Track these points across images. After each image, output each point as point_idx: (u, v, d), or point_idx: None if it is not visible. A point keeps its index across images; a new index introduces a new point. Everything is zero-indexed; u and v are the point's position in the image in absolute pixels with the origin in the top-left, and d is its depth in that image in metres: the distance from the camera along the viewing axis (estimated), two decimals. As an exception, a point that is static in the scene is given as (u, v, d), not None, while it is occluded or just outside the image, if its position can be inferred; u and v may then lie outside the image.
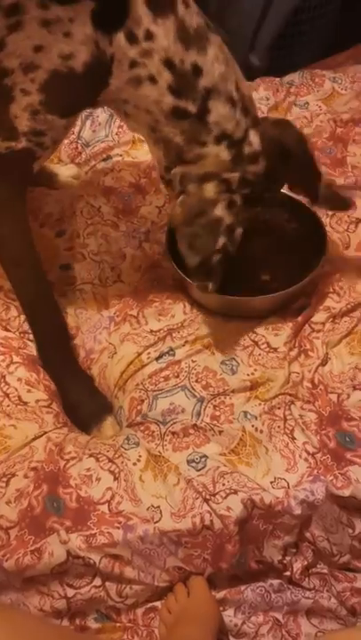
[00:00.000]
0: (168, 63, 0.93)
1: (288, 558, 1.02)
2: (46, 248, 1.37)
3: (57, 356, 1.22)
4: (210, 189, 1.03)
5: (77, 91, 0.96)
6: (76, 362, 1.23)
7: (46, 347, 1.21)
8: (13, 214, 1.10)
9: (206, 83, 0.96)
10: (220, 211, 1.04)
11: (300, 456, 1.05)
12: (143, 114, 1.01)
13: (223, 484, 1.00)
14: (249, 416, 1.11)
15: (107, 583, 0.97)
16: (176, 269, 1.23)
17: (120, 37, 0.90)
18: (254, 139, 1.04)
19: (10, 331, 1.24)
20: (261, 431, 1.08)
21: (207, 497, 0.98)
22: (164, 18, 0.90)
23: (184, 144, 1.02)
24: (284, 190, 1.32)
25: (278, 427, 1.09)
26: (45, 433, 1.09)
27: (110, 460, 1.03)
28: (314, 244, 1.28)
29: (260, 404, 1.12)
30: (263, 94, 1.69)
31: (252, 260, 1.28)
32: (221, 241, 1.05)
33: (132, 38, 0.90)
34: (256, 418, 1.10)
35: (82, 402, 1.17)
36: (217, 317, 1.25)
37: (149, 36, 0.90)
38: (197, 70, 0.95)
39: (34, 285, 1.18)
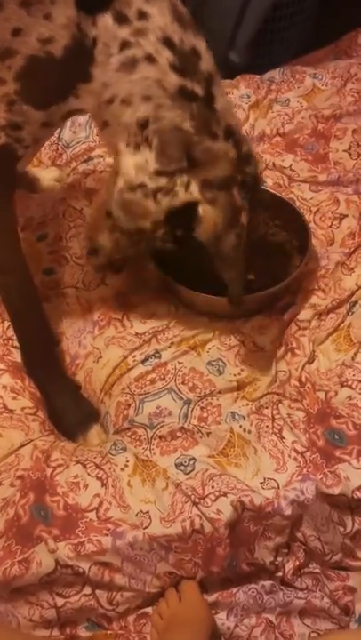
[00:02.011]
0: (167, 41, 0.86)
1: (280, 559, 1.01)
2: (28, 252, 1.34)
3: (42, 363, 1.20)
4: (238, 195, 0.95)
5: (55, 79, 0.90)
6: (62, 369, 1.21)
7: (32, 354, 1.19)
8: (3, 223, 1.08)
9: (206, 67, 0.90)
10: (244, 218, 0.97)
11: (289, 455, 1.04)
12: (136, 106, 0.89)
13: (212, 487, 0.99)
14: (237, 416, 1.10)
15: (97, 591, 0.96)
16: (171, 275, 1.23)
17: (106, 19, 0.84)
18: (245, 138, 1.00)
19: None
20: (250, 431, 1.08)
21: (196, 500, 0.97)
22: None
23: (195, 132, 0.91)
24: (267, 188, 1.33)
25: (267, 426, 1.08)
26: (32, 441, 1.08)
27: (98, 467, 1.02)
28: (298, 242, 1.28)
29: (247, 404, 1.12)
30: (244, 92, 1.68)
31: None
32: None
33: (121, 19, 0.84)
34: (244, 418, 1.10)
35: (67, 410, 1.16)
36: (202, 318, 1.24)
37: (143, 15, 0.85)
38: (197, 53, 0.89)
39: (21, 293, 1.16)
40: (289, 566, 1.02)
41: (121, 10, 0.84)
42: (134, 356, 1.20)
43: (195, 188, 0.94)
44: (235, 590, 1.01)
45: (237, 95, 1.68)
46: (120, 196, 0.96)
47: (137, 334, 1.23)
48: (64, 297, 1.31)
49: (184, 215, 0.96)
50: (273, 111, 1.64)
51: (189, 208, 0.96)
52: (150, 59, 0.86)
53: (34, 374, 1.19)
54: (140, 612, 0.99)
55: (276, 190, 1.41)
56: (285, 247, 1.30)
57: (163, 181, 0.93)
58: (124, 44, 0.86)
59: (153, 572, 0.97)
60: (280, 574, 1.02)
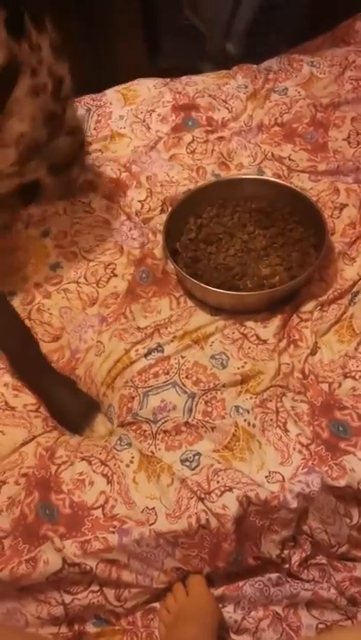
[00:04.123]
0: (51, 73, 1.09)
1: (286, 552, 1.01)
2: (34, 248, 1.37)
3: (31, 366, 1.19)
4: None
5: None
6: (51, 367, 1.19)
7: (17, 357, 1.19)
8: None
9: (65, 91, 1.14)
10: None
11: (293, 448, 1.04)
12: (22, 122, 1.10)
13: (218, 482, 0.99)
14: (241, 410, 1.09)
15: (104, 588, 0.96)
16: (177, 266, 1.24)
17: (25, 45, 1.04)
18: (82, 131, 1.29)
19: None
20: (254, 425, 1.07)
21: (202, 496, 0.97)
22: (43, 32, 1.06)
23: (48, 139, 1.16)
24: (287, 183, 1.32)
25: (271, 420, 1.07)
26: (35, 437, 1.08)
27: (103, 463, 1.02)
28: (315, 238, 1.27)
29: (251, 398, 1.11)
30: (241, 82, 1.67)
31: (255, 252, 1.28)
32: None
33: (32, 47, 1.05)
34: (248, 412, 1.09)
35: (67, 405, 1.15)
36: (205, 311, 1.24)
37: (39, 47, 1.06)
38: (62, 80, 1.12)
39: None
40: (295, 558, 1.01)
41: (30, 39, 1.04)
42: (137, 350, 1.19)
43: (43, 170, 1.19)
44: (241, 583, 1.01)
45: (235, 85, 1.66)
46: None
47: (139, 328, 1.22)
48: (65, 292, 1.30)
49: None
50: (271, 101, 1.63)
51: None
52: (44, 87, 1.09)
53: (25, 377, 1.18)
54: (147, 607, 0.99)
55: (276, 181, 1.41)
56: (303, 243, 1.29)
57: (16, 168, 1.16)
58: (33, 72, 1.06)
59: (160, 567, 0.97)
60: (286, 566, 1.02)
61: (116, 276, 1.32)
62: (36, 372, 1.18)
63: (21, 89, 1.07)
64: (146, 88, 1.67)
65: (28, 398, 1.14)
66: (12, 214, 1.37)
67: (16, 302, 1.29)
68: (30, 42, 1.05)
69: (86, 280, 1.32)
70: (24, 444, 1.07)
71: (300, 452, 1.03)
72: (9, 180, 1.18)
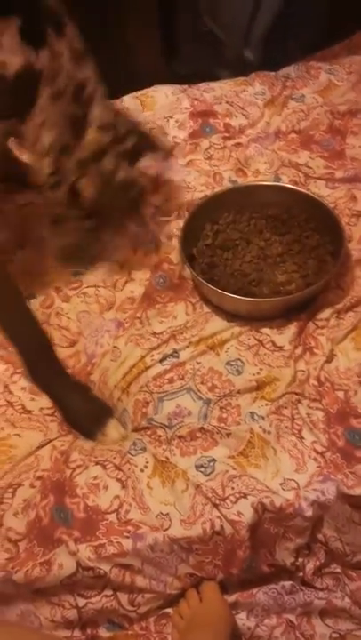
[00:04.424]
0: (70, 77, 1.10)
1: (300, 560, 1.01)
2: None
3: (46, 371, 1.19)
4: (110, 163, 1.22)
5: (7, 95, 1.07)
6: (65, 372, 1.20)
7: (33, 365, 1.19)
8: None
9: (89, 92, 1.14)
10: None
11: (309, 456, 1.03)
12: (53, 130, 1.12)
13: (232, 488, 0.98)
14: (256, 417, 1.09)
15: (118, 592, 0.96)
16: (192, 272, 1.25)
17: (45, 53, 1.05)
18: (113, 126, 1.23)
19: (8, 347, 1.23)
20: (269, 432, 1.07)
21: (217, 502, 0.97)
22: (62, 39, 1.07)
23: (75, 140, 1.16)
24: (303, 190, 1.31)
25: (286, 427, 1.07)
26: (50, 441, 1.09)
27: (117, 468, 1.02)
28: (331, 246, 1.27)
29: (266, 405, 1.11)
30: (259, 89, 1.67)
31: (271, 259, 1.28)
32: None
33: (53, 55, 1.06)
34: (263, 418, 1.09)
35: (80, 410, 1.15)
36: (220, 317, 1.24)
37: (59, 54, 1.07)
38: (83, 83, 1.12)
39: (7, 302, 1.17)
40: (309, 567, 1.01)
41: (51, 47, 1.06)
42: (152, 355, 1.20)
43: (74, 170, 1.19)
44: (255, 591, 1.01)
45: (252, 92, 1.67)
46: None
47: (155, 333, 1.23)
48: (83, 296, 1.31)
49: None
50: (288, 108, 1.63)
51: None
52: (63, 92, 1.10)
53: (39, 381, 1.18)
54: (160, 612, 0.99)
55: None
56: (319, 250, 1.29)
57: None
58: (53, 78, 1.08)
59: (174, 573, 0.97)
60: (300, 574, 1.01)
61: (133, 280, 1.33)
62: (50, 376, 1.18)
63: (43, 97, 1.08)
64: (163, 94, 1.68)
65: (44, 402, 1.15)
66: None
67: (35, 305, 1.30)
68: (52, 49, 1.06)
69: (104, 284, 1.33)
70: (40, 447, 1.08)
71: (315, 459, 1.03)
72: (55, 191, 1.20)
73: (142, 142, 1.30)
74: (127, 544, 0.94)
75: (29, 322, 1.19)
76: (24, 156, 1.43)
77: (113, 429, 1.12)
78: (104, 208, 1.27)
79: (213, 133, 1.61)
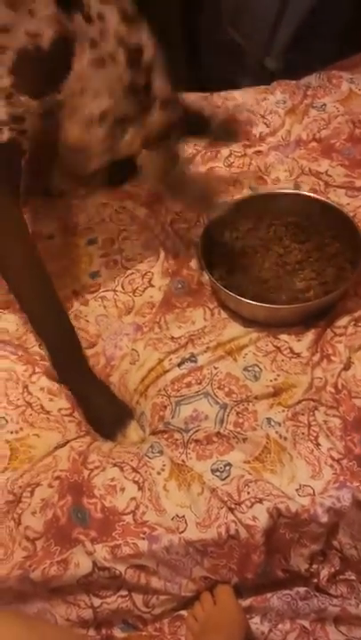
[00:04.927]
0: (121, 42, 1.02)
1: (315, 566, 1.01)
2: (79, 256, 1.40)
3: (73, 368, 1.20)
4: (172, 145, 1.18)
5: (45, 69, 1.00)
6: (92, 371, 1.21)
7: (61, 361, 1.20)
8: (14, 225, 1.11)
9: (147, 58, 1.06)
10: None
11: (325, 462, 1.03)
12: (101, 99, 1.04)
13: (248, 493, 0.99)
14: (273, 423, 1.10)
15: (133, 593, 0.97)
16: (211, 278, 1.25)
17: (79, 17, 0.98)
18: (177, 105, 1.17)
19: (28, 348, 1.25)
20: (285, 438, 1.08)
21: (232, 506, 0.98)
22: (109, 2, 1.00)
23: (137, 114, 1.09)
24: (323, 198, 1.34)
25: (302, 433, 1.08)
26: (68, 442, 1.10)
27: (134, 470, 1.03)
28: (350, 253, 1.28)
29: (283, 411, 1.11)
30: (280, 97, 1.68)
31: (290, 266, 1.29)
32: None
33: (89, 19, 0.99)
34: (280, 424, 1.09)
35: (103, 410, 1.16)
36: (238, 323, 1.25)
37: (101, 17, 1.00)
38: (140, 48, 1.05)
39: (41, 301, 1.17)
40: (324, 573, 1.01)
41: (86, 11, 0.99)
42: (170, 359, 1.21)
43: (137, 144, 1.12)
44: (269, 595, 1.01)
45: (273, 101, 1.68)
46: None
47: (173, 338, 1.24)
48: (102, 300, 1.33)
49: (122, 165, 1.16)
50: (309, 116, 1.64)
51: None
52: (113, 58, 1.02)
53: (66, 380, 1.20)
54: (174, 614, 1.00)
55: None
56: (338, 258, 1.29)
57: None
58: (93, 44, 1.00)
59: (188, 576, 0.98)
60: (315, 581, 1.01)
61: (152, 286, 1.34)
62: (76, 374, 1.20)
63: (80, 63, 1.01)
64: (185, 102, 1.69)
65: (62, 402, 1.17)
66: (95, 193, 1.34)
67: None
68: (87, 13, 0.99)
69: (123, 289, 1.34)
70: (58, 447, 1.09)
71: (331, 466, 1.03)
72: (99, 158, 1.12)
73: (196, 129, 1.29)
74: (143, 545, 0.95)
75: (61, 318, 1.20)
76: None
77: (133, 431, 1.13)
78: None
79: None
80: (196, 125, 1.29)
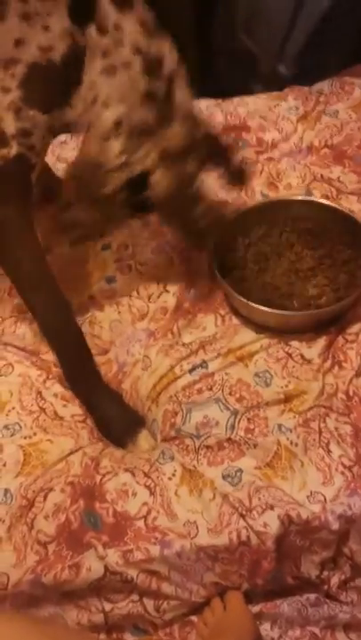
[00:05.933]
0: (138, 50, 0.99)
1: (326, 573, 1.01)
2: (93, 261, 1.42)
3: (83, 377, 1.20)
4: (190, 164, 1.13)
5: (55, 82, 1.00)
6: (103, 380, 1.21)
7: (72, 370, 1.21)
8: (24, 236, 1.10)
9: (168, 68, 1.03)
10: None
11: (336, 469, 1.04)
12: (114, 108, 1.02)
13: (259, 499, 0.99)
14: (284, 429, 1.10)
15: (144, 598, 0.97)
16: (226, 284, 1.25)
17: (92, 30, 0.98)
18: (198, 122, 1.15)
19: (42, 353, 1.26)
20: (296, 444, 1.08)
21: (243, 512, 0.98)
22: (127, 12, 0.99)
23: (156, 125, 1.06)
24: (335, 204, 1.34)
25: (313, 439, 1.08)
26: (81, 448, 1.11)
27: (146, 475, 1.04)
28: None
29: (294, 417, 1.12)
30: (293, 104, 1.69)
31: (302, 272, 1.29)
32: None
33: (102, 30, 0.98)
34: (291, 431, 1.10)
35: (114, 418, 1.17)
36: (249, 329, 1.25)
37: (118, 27, 0.98)
38: (160, 58, 1.02)
39: (54, 309, 1.18)
40: (334, 580, 1.01)
41: (101, 22, 0.98)
42: (181, 366, 1.21)
43: (153, 158, 1.08)
44: (279, 602, 1.01)
45: (285, 107, 1.68)
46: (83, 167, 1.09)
47: (184, 344, 1.25)
48: (117, 305, 1.34)
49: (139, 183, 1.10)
50: (321, 123, 1.64)
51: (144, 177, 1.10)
52: (127, 66, 1.00)
53: (76, 388, 1.20)
54: (185, 619, 1.00)
55: (324, 203, 1.42)
56: (351, 265, 1.30)
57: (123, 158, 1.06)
58: (106, 53, 0.99)
59: (199, 581, 0.98)
60: (325, 587, 1.02)
61: (167, 292, 1.35)
62: (87, 383, 1.20)
63: (91, 73, 1.00)
64: (198, 109, 1.70)
65: (75, 409, 1.18)
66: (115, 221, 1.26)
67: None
68: (101, 24, 0.98)
69: (138, 294, 1.35)
70: (71, 453, 1.10)
71: (342, 473, 1.03)
72: (117, 174, 1.06)
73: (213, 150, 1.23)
74: (154, 550, 0.95)
75: (72, 331, 1.20)
76: (59, 172, 1.45)
77: (143, 440, 1.14)
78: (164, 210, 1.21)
79: (246, 147, 1.63)
80: (217, 157, 1.27)
